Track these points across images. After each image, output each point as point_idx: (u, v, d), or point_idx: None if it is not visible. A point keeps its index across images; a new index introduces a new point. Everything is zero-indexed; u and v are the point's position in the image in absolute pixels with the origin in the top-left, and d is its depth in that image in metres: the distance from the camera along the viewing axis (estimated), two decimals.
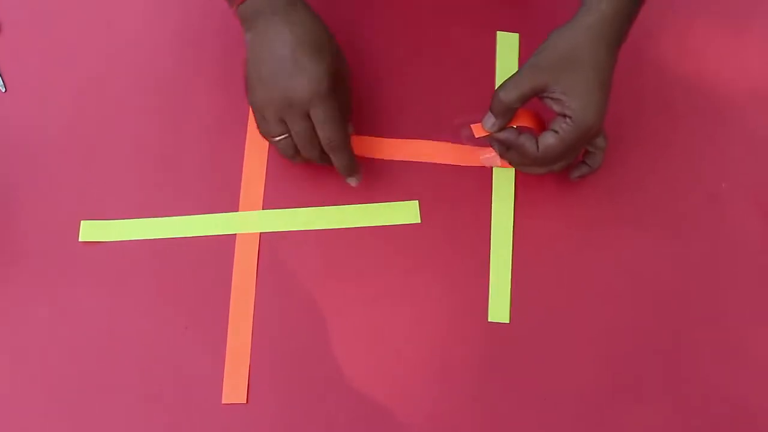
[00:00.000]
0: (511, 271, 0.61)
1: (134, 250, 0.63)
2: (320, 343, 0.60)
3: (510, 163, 0.62)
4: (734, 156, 0.66)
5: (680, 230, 0.63)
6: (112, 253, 0.63)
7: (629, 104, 0.67)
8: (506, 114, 0.57)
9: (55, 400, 0.58)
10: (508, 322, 0.60)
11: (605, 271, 0.62)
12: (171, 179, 0.65)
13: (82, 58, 0.71)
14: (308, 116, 0.56)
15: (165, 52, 0.72)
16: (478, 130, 0.59)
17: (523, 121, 0.58)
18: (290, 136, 0.58)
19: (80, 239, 0.63)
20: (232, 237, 0.63)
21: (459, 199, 0.64)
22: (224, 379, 0.59)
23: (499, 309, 0.60)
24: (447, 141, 0.65)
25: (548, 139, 0.56)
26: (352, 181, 0.60)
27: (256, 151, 0.66)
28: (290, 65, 0.55)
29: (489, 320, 0.60)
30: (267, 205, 0.64)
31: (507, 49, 0.69)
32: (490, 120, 0.58)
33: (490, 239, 0.63)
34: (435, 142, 0.65)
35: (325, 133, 0.56)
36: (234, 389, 0.58)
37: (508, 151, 0.60)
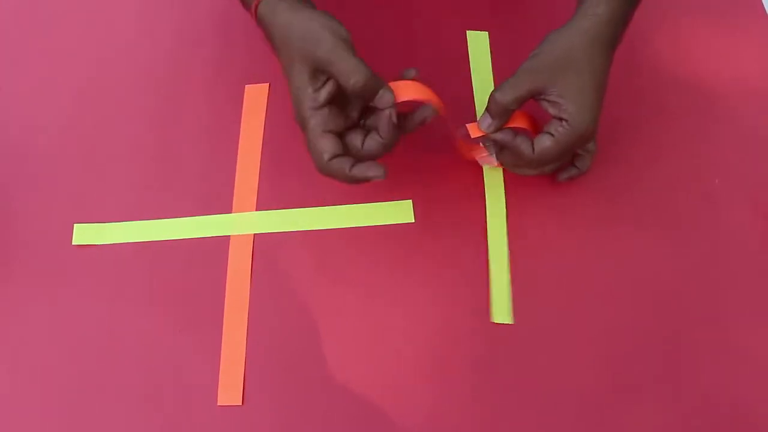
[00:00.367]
0: (510, 272, 0.61)
1: (128, 253, 0.63)
2: (315, 344, 0.59)
3: (503, 164, 0.62)
4: (726, 153, 0.66)
5: (675, 227, 0.63)
6: (106, 256, 0.63)
7: (623, 104, 0.67)
8: (503, 115, 0.57)
9: (49, 403, 0.58)
10: (512, 323, 0.60)
11: (602, 270, 0.62)
12: (164, 181, 0.65)
13: (75, 61, 0.72)
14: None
15: (159, 56, 0.72)
16: (474, 130, 0.59)
17: (517, 122, 0.59)
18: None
19: (73, 242, 0.63)
20: (225, 239, 0.63)
21: (453, 198, 0.64)
22: (219, 381, 0.58)
23: (501, 311, 0.60)
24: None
25: (544, 142, 0.56)
26: (384, 101, 0.55)
27: (249, 153, 0.66)
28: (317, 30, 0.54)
29: (493, 321, 0.60)
30: (261, 206, 0.64)
31: (478, 47, 0.70)
32: (486, 120, 0.58)
33: (484, 238, 0.63)
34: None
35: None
36: (229, 391, 0.58)
37: (502, 152, 0.60)
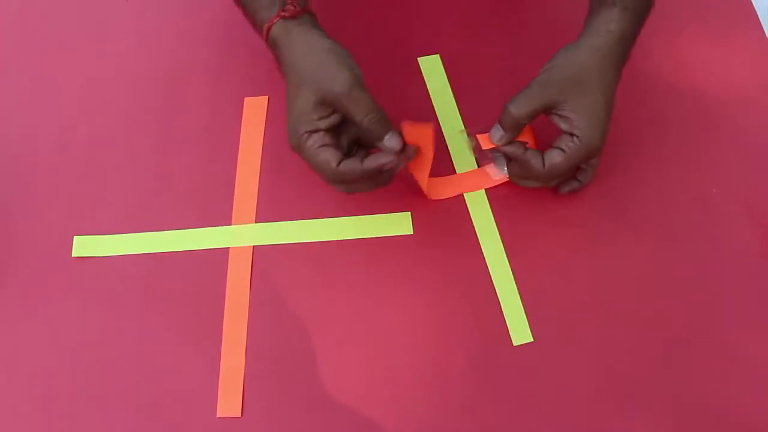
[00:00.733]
0: (518, 292, 0.61)
1: (127, 265, 0.63)
2: (315, 356, 0.59)
3: (509, 175, 0.62)
4: (724, 162, 0.66)
5: (672, 236, 0.63)
6: (106, 268, 0.63)
7: (622, 114, 0.67)
8: (515, 129, 0.58)
9: (48, 414, 0.58)
10: (532, 341, 0.60)
11: (599, 279, 0.62)
12: (164, 194, 0.66)
13: (75, 74, 0.72)
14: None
15: (158, 68, 0.72)
16: (485, 142, 0.59)
17: (523, 135, 0.59)
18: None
19: (73, 254, 0.63)
20: (225, 251, 0.63)
21: (451, 211, 0.64)
22: (219, 392, 0.58)
23: (520, 333, 0.60)
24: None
25: (555, 157, 0.57)
26: (392, 144, 0.56)
27: (248, 165, 0.67)
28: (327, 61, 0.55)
29: (514, 344, 0.59)
30: (260, 218, 0.65)
31: (433, 71, 0.70)
32: (498, 133, 0.58)
33: (481, 249, 0.63)
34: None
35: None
36: (228, 403, 0.58)
37: (510, 163, 0.61)
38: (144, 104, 0.70)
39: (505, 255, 0.62)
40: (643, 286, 0.62)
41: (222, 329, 0.60)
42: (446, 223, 0.64)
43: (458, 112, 0.68)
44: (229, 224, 0.64)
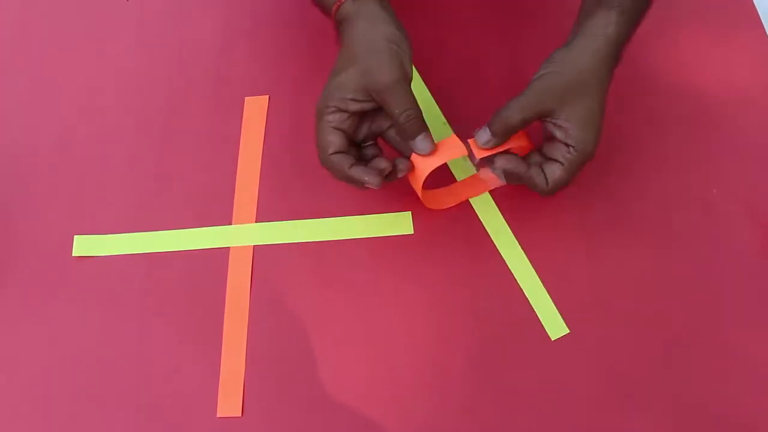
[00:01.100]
0: (544, 286, 0.61)
1: (128, 265, 0.63)
2: (315, 355, 0.59)
3: (507, 181, 0.61)
4: (724, 163, 0.67)
5: (673, 236, 0.63)
6: (106, 267, 0.63)
7: (622, 115, 0.67)
8: (505, 135, 0.56)
9: (48, 414, 0.58)
10: (568, 332, 0.60)
11: (599, 279, 0.62)
12: (164, 193, 0.66)
13: (75, 73, 0.72)
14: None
15: (159, 67, 0.72)
16: (478, 151, 0.57)
17: (518, 136, 0.58)
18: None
19: (74, 254, 0.63)
20: (225, 250, 0.63)
21: (452, 210, 0.64)
22: (219, 392, 0.58)
23: (555, 326, 0.60)
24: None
25: (556, 172, 0.56)
26: (423, 146, 0.56)
27: (249, 164, 0.67)
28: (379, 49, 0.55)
29: (552, 339, 0.60)
30: (260, 217, 0.65)
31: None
32: (485, 136, 0.56)
33: (483, 249, 0.63)
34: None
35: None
36: (229, 402, 0.58)
37: (509, 175, 0.59)
38: (144, 104, 0.70)
39: (522, 251, 0.62)
40: (643, 285, 0.62)
41: (222, 329, 0.60)
42: (447, 223, 0.64)
43: (438, 109, 0.69)
44: (230, 224, 0.64)
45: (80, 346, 0.60)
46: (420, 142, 0.55)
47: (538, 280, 0.62)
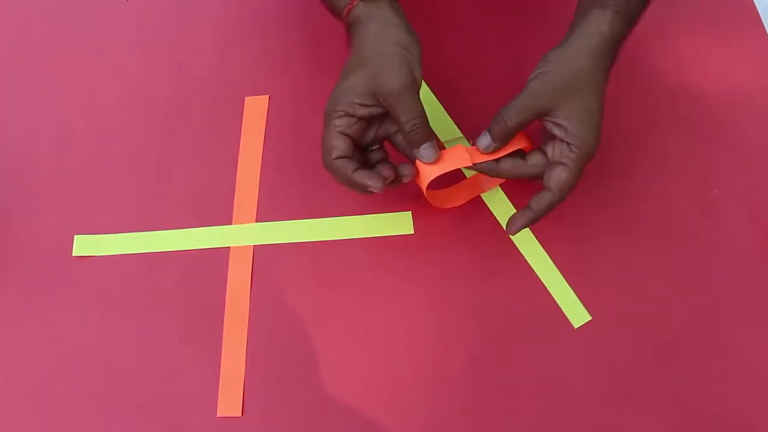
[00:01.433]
0: (564, 277, 0.61)
1: (128, 264, 0.63)
2: (315, 355, 0.59)
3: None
4: (724, 163, 0.67)
5: (673, 236, 0.63)
6: (106, 267, 0.63)
7: (622, 114, 0.67)
8: (506, 138, 0.56)
9: (48, 413, 0.58)
10: (591, 318, 0.60)
11: (598, 279, 0.62)
12: (164, 193, 0.66)
13: (75, 73, 0.72)
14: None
15: (159, 67, 0.72)
16: (481, 155, 0.57)
17: (517, 139, 0.58)
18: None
19: (74, 254, 0.63)
20: (225, 250, 0.63)
21: (452, 210, 0.64)
22: (219, 392, 0.58)
23: (577, 314, 0.60)
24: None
25: (561, 175, 0.55)
26: (428, 155, 0.56)
27: (249, 164, 0.67)
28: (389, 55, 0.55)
29: (575, 327, 0.60)
30: (260, 217, 0.65)
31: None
32: (486, 141, 0.56)
33: (484, 248, 0.63)
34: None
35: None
36: (229, 402, 0.58)
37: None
38: (144, 104, 0.70)
39: (539, 244, 0.63)
40: (643, 285, 0.62)
41: (222, 329, 0.60)
42: (447, 223, 0.64)
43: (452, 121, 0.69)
44: (230, 224, 0.64)
45: (80, 346, 0.60)
46: (425, 150, 0.56)
47: (557, 271, 0.62)
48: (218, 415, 0.58)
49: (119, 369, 0.59)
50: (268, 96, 0.70)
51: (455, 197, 0.64)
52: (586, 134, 0.54)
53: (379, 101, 0.55)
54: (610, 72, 0.56)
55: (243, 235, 0.64)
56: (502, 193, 0.65)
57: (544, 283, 0.62)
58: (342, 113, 0.55)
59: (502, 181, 0.64)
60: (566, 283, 0.61)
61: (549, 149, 0.56)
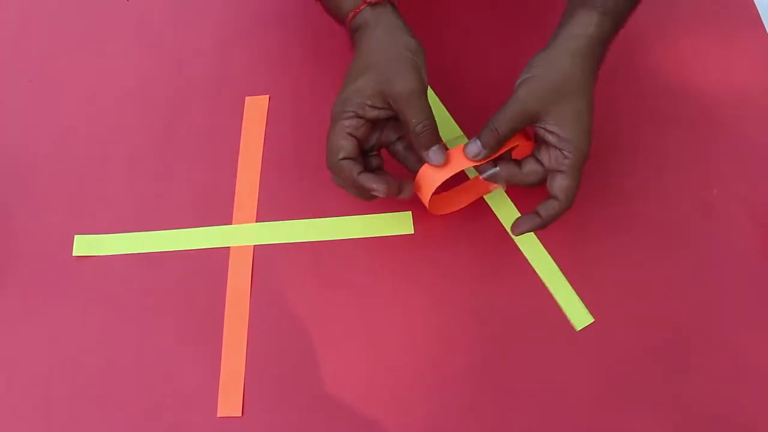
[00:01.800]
0: (567, 279, 0.61)
1: (128, 264, 0.63)
2: (315, 355, 0.59)
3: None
4: (724, 162, 0.67)
5: (673, 236, 0.63)
6: (106, 267, 0.63)
7: (622, 114, 0.67)
8: (497, 147, 0.56)
9: (47, 414, 0.58)
10: (593, 320, 0.60)
11: (597, 279, 0.62)
12: (164, 193, 0.66)
13: (75, 72, 0.72)
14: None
15: (159, 67, 0.72)
16: (470, 161, 0.57)
17: (515, 140, 0.57)
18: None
19: (74, 254, 0.63)
20: (225, 250, 0.63)
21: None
22: (219, 392, 0.58)
23: (580, 317, 0.60)
24: None
25: (562, 183, 0.55)
26: (436, 158, 0.56)
27: (249, 164, 0.67)
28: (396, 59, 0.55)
29: (576, 330, 0.60)
30: (261, 217, 0.65)
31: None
32: (475, 149, 0.56)
33: (483, 248, 0.63)
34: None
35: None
36: (229, 402, 0.58)
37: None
38: (144, 104, 0.70)
39: (542, 245, 0.63)
40: (643, 286, 0.62)
41: (222, 328, 0.60)
42: (447, 223, 0.64)
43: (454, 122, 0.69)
44: (230, 224, 0.64)
45: (80, 346, 0.60)
46: (433, 153, 0.56)
47: (560, 272, 0.62)
48: (218, 415, 0.58)
49: (119, 369, 0.59)
50: (268, 96, 0.70)
51: (454, 202, 0.64)
52: (578, 138, 0.54)
53: (388, 104, 0.55)
54: (598, 73, 0.56)
55: (243, 235, 0.64)
56: (506, 195, 0.65)
57: (547, 284, 0.61)
58: (352, 114, 0.55)
59: (497, 187, 0.64)
60: (569, 285, 0.61)
61: (543, 156, 0.56)
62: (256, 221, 0.64)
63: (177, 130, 0.69)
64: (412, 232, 0.64)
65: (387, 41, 0.56)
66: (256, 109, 0.69)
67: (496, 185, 0.64)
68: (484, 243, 0.63)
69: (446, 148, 0.56)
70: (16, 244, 0.64)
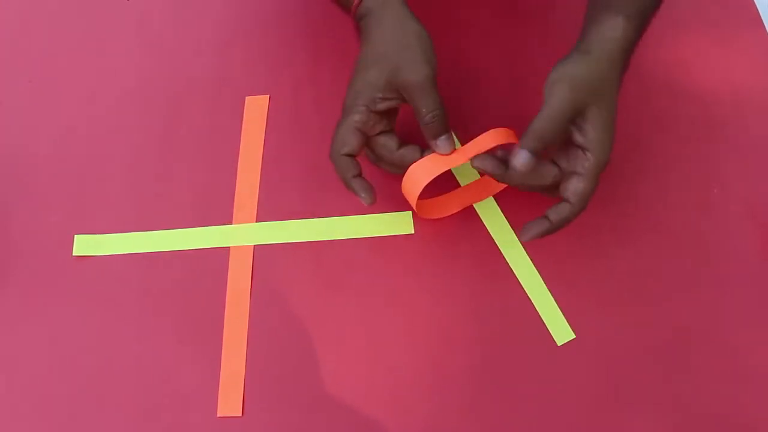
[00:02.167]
0: (550, 292, 0.61)
1: (128, 264, 0.63)
2: (316, 355, 0.59)
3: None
4: (725, 162, 0.67)
5: (673, 235, 0.63)
6: (106, 267, 0.63)
7: (622, 114, 0.66)
8: (542, 150, 0.54)
9: (47, 414, 0.58)
10: (574, 337, 0.60)
11: (598, 279, 0.62)
12: (164, 193, 0.66)
13: (75, 73, 0.72)
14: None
15: (159, 67, 0.72)
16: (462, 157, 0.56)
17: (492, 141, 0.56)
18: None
19: (74, 254, 0.63)
20: (226, 250, 0.63)
21: None
22: (219, 392, 0.58)
23: (561, 332, 0.60)
24: None
25: (578, 186, 0.54)
26: (445, 146, 0.56)
27: (249, 164, 0.67)
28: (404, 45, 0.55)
29: (558, 345, 0.59)
30: (261, 217, 0.65)
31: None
32: (524, 156, 0.53)
33: (484, 248, 0.63)
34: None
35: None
36: (229, 402, 0.58)
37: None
38: (144, 104, 0.70)
39: (526, 254, 0.62)
40: (643, 286, 0.62)
41: (222, 328, 0.60)
42: (448, 223, 0.64)
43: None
44: (230, 223, 0.64)
45: (80, 346, 0.60)
46: (442, 142, 0.56)
47: (543, 284, 0.61)
48: (218, 415, 0.58)
49: (119, 369, 0.59)
50: (268, 96, 0.70)
51: (444, 207, 0.64)
52: (602, 140, 0.54)
53: (399, 93, 0.55)
54: (623, 78, 0.56)
55: (243, 235, 0.64)
56: (494, 202, 0.65)
57: (528, 293, 0.61)
58: (363, 108, 0.55)
59: (496, 191, 0.64)
60: (550, 296, 0.61)
61: (561, 158, 0.56)
62: (256, 221, 0.64)
63: (177, 130, 0.69)
64: (412, 232, 0.64)
65: (395, 30, 0.55)
66: (256, 109, 0.69)
67: (488, 193, 0.64)
68: (484, 243, 0.63)
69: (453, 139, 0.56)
70: (16, 244, 0.64)
